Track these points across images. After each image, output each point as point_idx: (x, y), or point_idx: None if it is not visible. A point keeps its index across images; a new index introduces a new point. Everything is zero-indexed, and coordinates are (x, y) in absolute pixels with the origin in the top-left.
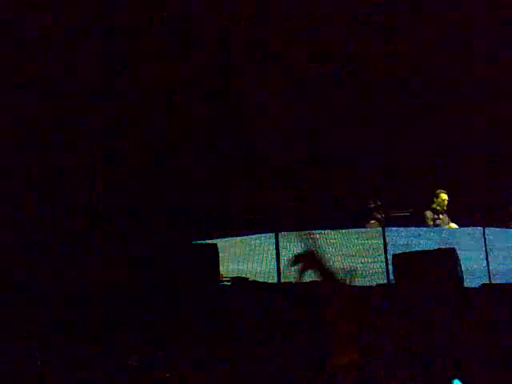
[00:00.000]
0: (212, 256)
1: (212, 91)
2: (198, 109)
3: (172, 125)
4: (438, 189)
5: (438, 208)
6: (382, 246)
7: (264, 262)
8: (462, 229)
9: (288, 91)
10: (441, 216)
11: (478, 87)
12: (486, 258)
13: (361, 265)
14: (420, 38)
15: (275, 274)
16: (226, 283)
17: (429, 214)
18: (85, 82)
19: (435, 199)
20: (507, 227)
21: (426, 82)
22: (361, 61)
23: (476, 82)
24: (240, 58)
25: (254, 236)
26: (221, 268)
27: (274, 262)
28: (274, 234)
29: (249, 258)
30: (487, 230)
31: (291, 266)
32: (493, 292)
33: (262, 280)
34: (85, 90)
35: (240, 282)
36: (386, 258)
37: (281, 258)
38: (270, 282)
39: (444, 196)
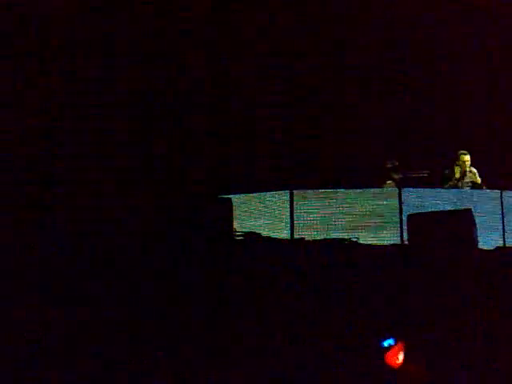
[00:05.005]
0: (226, 209)
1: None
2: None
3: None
4: (457, 150)
5: (460, 170)
6: (397, 206)
7: (278, 218)
8: (479, 191)
9: None
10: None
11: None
12: (502, 221)
13: (375, 224)
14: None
15: (288, 231)
16: (238, 238)
17: None
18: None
19: (457, 161)
20: None
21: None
22: None
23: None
24: None
25: (269, 193)
26: (235, 223)
27: (287, 219)
28: (288, 192)
29: (263, 214)
30: (504, 193)
31: None
32: (506, 254)
33: (274, 236)
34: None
35: (253, 237)
36: (400, 218)
37: (294, 215)
38: (282, 238)
39: (465, 157)
